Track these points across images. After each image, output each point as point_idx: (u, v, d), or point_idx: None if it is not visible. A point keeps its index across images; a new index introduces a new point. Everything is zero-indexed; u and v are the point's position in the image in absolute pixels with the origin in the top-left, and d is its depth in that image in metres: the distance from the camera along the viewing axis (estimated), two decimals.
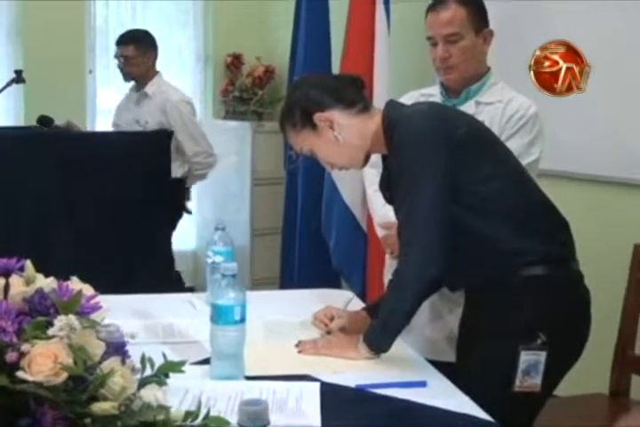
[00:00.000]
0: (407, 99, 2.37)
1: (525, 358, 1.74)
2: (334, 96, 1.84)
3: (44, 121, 3.84)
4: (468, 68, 2.27)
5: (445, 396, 1.59)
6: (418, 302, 1.76)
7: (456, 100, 2.30)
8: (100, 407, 1.14)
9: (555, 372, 1.80)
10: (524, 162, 2.06)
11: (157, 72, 4.20)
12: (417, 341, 2.08)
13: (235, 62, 4.95)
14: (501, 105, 2.23)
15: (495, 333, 1.78)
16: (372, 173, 2.42)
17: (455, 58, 2.24)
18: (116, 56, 4.13)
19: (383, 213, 2.34)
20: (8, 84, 3.97)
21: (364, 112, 1.86)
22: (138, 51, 4.11)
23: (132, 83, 4.23)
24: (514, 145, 2.09)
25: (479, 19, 2.27)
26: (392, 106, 1.89)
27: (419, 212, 1.72)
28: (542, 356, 1.74)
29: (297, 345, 1.83)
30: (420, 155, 1.74)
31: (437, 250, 1.71)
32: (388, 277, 2.14)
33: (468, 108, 2.24)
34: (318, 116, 1.83)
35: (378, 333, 1.77)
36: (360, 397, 1.58)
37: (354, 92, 1.88)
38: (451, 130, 1.75)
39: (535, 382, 1.75)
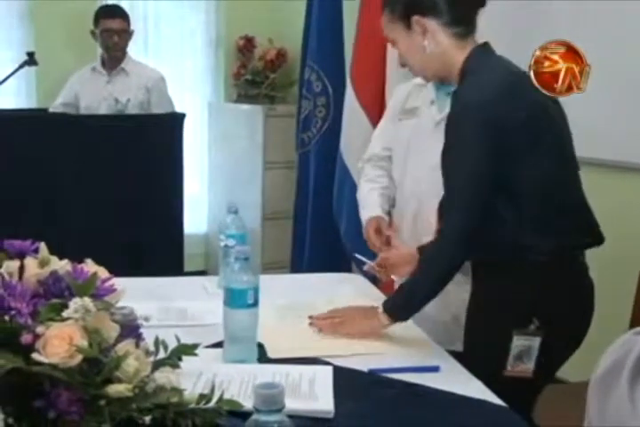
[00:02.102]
0: (402, 90, 2.34)
1: (518, 342, 1.74)
2: (446, 6, 1.78)
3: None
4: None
5: (458, 381, 1.59)
6: (447, 278, 1.76)
7: (449, 88, 2.12)
8: (115, 389, 1.14)
9: (553, 358, 1.80)
10: None
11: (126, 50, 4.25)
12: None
13: (247, 45, 4.93)
14: None
15: (493, 317, 1.79)
16: (370, 168, 2.41)
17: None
18: (106, 30, 4.08)
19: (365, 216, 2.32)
20: (20, 66, 3.97)
21: (461, 37, 1.80)
22: (128, 25, 4.14)
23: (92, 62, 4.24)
24: None
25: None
26: (480, 53, 1.80)
27: (458, 191, 1.73)
28: (536, 342, 1.74)
29: (311, 324, 1.84)
30: (467, 130, 1.71)
31: (471, 231, 1.72)
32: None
33: None
34: (416, 20, 1.78)
35: (402, 303, 1.79)
36: (373, 381, 1.58)
37: (468, 11, 1.81)
38: (508, 111, 1.70)
39: (527, 366, 1.75)
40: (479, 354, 1.81)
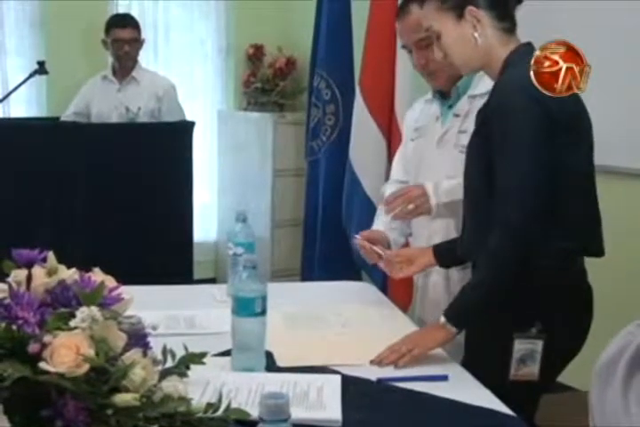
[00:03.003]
0: (414, 110, 2.34)
1: (520, 346, 1.73)
2: (496, 1, 1.79)
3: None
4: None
5: (467, 390, 1.59)
6: (512, 273, 1.72)
7: (451, 101, 2.19)
8: (122, 399, 1.14)
9: (555, 362, 1.78)
10: None
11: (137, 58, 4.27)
12: None
13: (256, 53, 4.94)
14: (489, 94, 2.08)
15: (493, 321, 1.75)
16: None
17: (434, 63, 2.06)
18: (117, 40, 4.10)
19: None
20: (31, 75, 3.99)
21: (506, 33, 1.81)
22: (139, 34, 4.15)
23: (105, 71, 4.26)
24: None
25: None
26: (524, 50, 1.78)
27: (521, 178, 1.69)
28: (538, 345, 1.73)
29: (372, 362, 1.72)
30: (521, 115, 1.68)
31: (531, 227, 1.68)
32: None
33: (464, 104, 2.14)
34: (470, 10, 1.78)
35: (464, 308, 1.76)
36: (381, 390, 1.58)
37: (512, 7, 1.82)
38: (557, 102, 1.67)
39: (531, 370, 1.74)
40: (481, 360, 1.79)
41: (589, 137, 1.80)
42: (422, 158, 2.25)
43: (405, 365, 1.70)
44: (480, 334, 1.80)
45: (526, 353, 1.73)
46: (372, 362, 1.72)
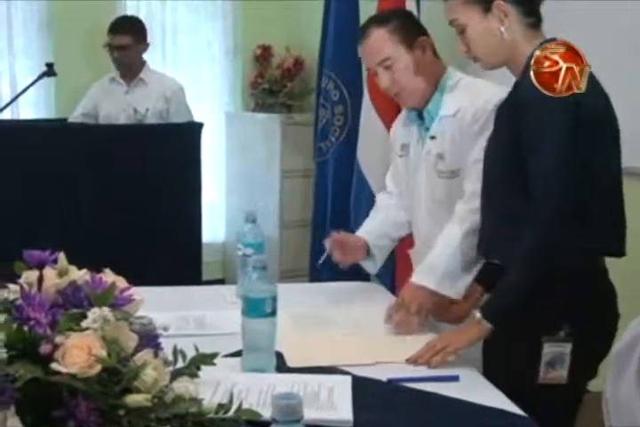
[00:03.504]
0: (397, 126, 2.32)
1: (548, 349, 1.71)
2: None
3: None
4: (417, 85, 2.12)
5: (478, 391, 1.58)
6: (544, 269, 1.71)
7: (426, 123, 2.16)
8: (134, 399, 1.14)
9: (583, 364, 1.77)
10: None
11: (145, 60, 4.26)
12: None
13: (264, 54, 4.94)
14: (460, 114, 2.08)
15: (520, 324, 1.74)
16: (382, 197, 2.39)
17: (397, 83, 2.11)
18: (110, 45, 4.09)
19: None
20: (40, 77, 3.99)
21: (532, 28, 1.80)
22: (135, 39, 4.12)
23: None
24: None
25: (407, 31, 2.12)
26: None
27: (550, 175, 1.68)
28: (567, 348, 1.71)
29: (408, 360, 1.73)
30: (548, 112, 1.66)
31: (561, 224, 1.67)
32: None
33: (438, 125, 2.11)
34: (498, 4, 1.77)
35: (500, 304, 1.74)
36: (392, 390, 1.58)
37: (538, 2, 1.81)
38: (588, 97, 1.66)
39: (560, 373, 1.73)
40: (508, 363, 1.77)
41: (618, 137, 1.78)
42: (409, 177, 2.25)
43: (438, 364, 1.69)
44: (506, 337, 1.76)
45: (555, 356, 1.72)
46: (407, 361, 1.72)
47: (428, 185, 2.16)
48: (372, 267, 2.32)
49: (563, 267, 1.69)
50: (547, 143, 1.67)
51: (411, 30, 2.14)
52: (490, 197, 1.87)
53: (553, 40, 1.77)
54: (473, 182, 1.99)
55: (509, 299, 1.74)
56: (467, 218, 2.00)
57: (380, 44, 2.11)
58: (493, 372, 1.73)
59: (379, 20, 2.17)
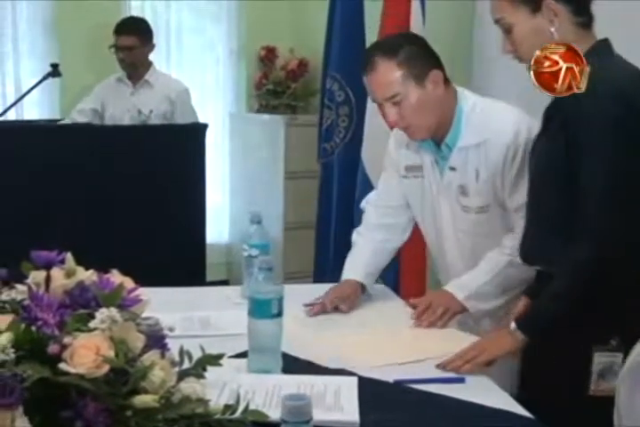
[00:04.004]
0: (395, 144, 2.24)
1: (599, 360, 1.67)
2: None
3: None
4: (428, 121, 2.01)
5: (484, 392, 1.58)
6: (584, 291, 1.66)
7: (443, 152, 2.09)
8: (141, 400, 1.14)
9: None
10: None
11: (151, 61, 4.26)
12: None
13: (268, 55, 4.94)
14: (485, 147, 2.01)
15: (570, 333, 1.68)
16: (372, 214, 2.33)
17: (406, 119, 2.00)
18: (116, 46, 4.10)
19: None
20: (44, 78, 4.00)
21: (583, 28, 1.72)
22: (140, 40, 4.13)
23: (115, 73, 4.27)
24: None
25: (417, 64, 1.98)
26: (603, 46, 1.72)
27: (600, 190, 1.63)
28: (619, 358, 1.65)
29: (438, 366, 1.71)
30: (601, 124, 1.61)
31: (612, 237, 1.62)
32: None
33: (456, 157, 2.05)
34: (548, 4, 1.69)
35: (536, 318, 1.71)
36: (398, 392, 1.58)
37: (589, 1, 1.74)
38: None
39: (611, 385, 1.60)
40: (555, 374, 1.71)
41: None
42: (425, 201, 2.18)
43: (468, 371, 1.67)
44: (551, 349, 1.71)
45: (606, 367, 1.66)
46: (437, 366, 1.70)
47: (452, 217, 2.12)
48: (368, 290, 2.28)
49: (614, 281, 1.64)
50: (599, 158, 1.62)
51: (422, 62, 2.00)
52: (534, 205, 1.81)
53: (605, 41, 1.72)
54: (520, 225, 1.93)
55: (550, 312, 1.69)
56: (515, 253, 1.95)
57: (389, 79, 1.98)
58: (533, 383, 1.70)
59: (387, 49, 2.01)
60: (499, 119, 2.03)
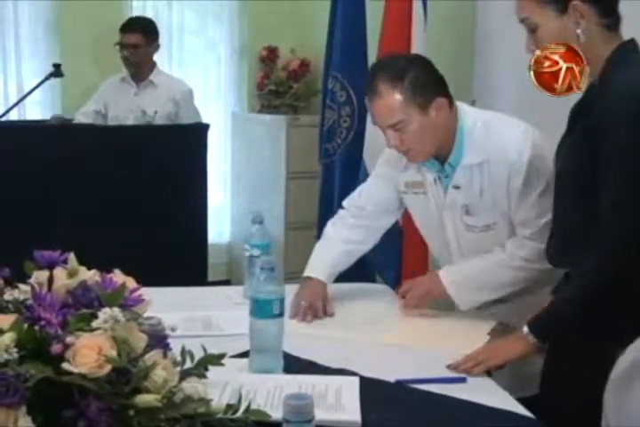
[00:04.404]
0: (394, 157, 2.17)
1: None
2: None
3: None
4: (428, 147, 2.01)
5: (485, 392, 1.59)
6: (597, 292, 1.64)
7: (446, 171, 2.06)
8: (144, 400, 1.15)
9: None
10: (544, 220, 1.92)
11: (155, 62, 4.26)
12: None
13: (270, 56, 4.95)
14: (488, 166, 2.00)
15: (590, 336, 1.65)
16: (343, 223, 2.31)
17: (407, 144, 1.99)
18: (121, 44, 4.11)
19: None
20: (47, 78, 4.00)
21: (609, 29, 1.67)
22: (146, 39, 4.13)
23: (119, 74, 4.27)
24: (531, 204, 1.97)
25: (422, 91, 1.96)
26: (629, 48, 1.67)
27: (621, 204, 1.60)
28: None
29: (448, 366, 1.70)
30: (626, 127, 1.57)
31: (627, 237, 1.59)
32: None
33: (460, 175, 2.03)
34: (575, 5, 1.64)
35: (549, 321, 1.70)
36: (400, 391, 1.58)
37: (616, 2, 1.69)
38: None
39: None
40: (575, 378, 1.66)
41: None
42: (430, 216, 2.16)
43: (478, 373, 1.68)
44: (573, 352, 1.68)
45: None
46: (448, 366, 1.70)
47: (456, 236, 2.12)
48: None
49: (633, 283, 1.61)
50: (624, 158, 1.59)
51: (426, 89, 1.97)
52: (560, 208, 1.79)
53: (632, 42, 1.69)
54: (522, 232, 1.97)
55: (564, 316, 1.68)
56: (512, 257, 1.99)
57: (394, 107, 1.95)
58: (555, 389, 1.68)
59: (392, 75, 1.97)
60: (500, 137, 2.01)
